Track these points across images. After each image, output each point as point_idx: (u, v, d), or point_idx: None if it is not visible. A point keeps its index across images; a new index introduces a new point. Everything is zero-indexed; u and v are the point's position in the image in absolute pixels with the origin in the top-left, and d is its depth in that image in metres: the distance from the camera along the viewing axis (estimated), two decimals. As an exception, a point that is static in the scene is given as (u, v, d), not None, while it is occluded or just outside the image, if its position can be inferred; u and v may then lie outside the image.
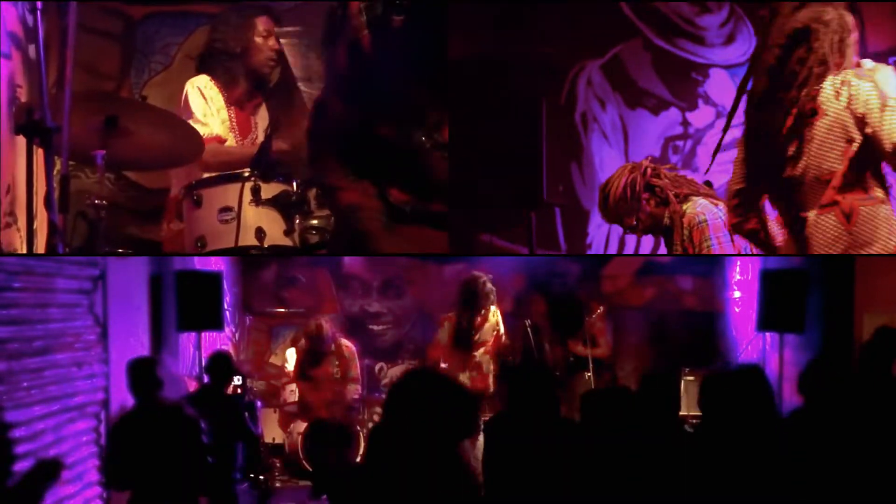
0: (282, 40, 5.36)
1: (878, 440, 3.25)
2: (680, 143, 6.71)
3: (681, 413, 6.45)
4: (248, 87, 5.02)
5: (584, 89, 6.86)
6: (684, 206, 4.34)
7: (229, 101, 5.00)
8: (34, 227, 3.59)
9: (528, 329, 7.37)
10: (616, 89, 6.86)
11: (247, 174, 4.35)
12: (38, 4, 3.61)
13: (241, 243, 4.21)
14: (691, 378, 7.06)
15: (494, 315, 6.97)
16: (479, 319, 6.84)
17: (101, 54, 5.76)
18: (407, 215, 3.76)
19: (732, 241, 4.25)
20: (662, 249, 6.51)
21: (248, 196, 4.24)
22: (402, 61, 3.65)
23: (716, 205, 4.36)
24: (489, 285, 6.89)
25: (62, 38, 3.90)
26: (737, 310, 7.45)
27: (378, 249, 3.78)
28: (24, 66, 4.76)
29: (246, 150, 4.91)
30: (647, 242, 6.09)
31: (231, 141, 5.02)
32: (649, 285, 8.15)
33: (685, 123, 6.87)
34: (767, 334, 6.32)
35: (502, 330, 7.02)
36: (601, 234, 6.88)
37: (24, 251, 3.45)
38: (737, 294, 7.45)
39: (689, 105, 6.87)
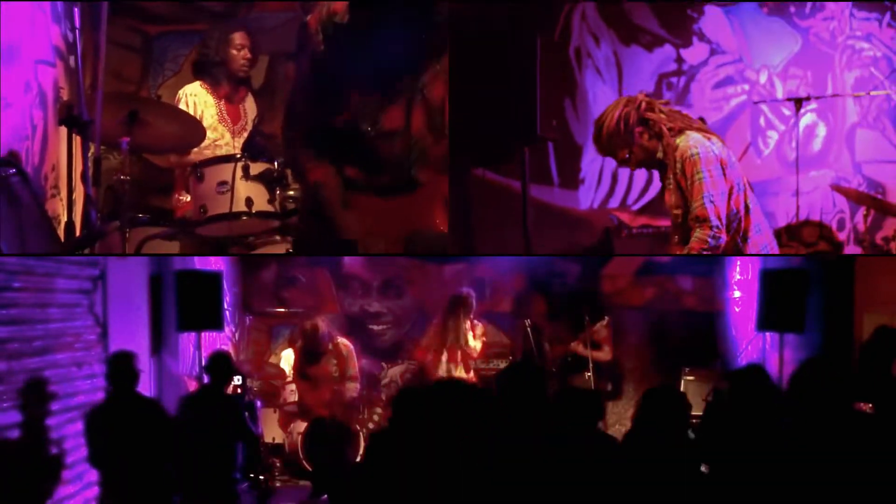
0: (268, 54, 6.64)
1: (877, 440, 3.25)
2: (674, 79, 6.73)
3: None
4: (230, 86, 5.97)
5: (578, 24, 6.84)
6: (677, 140, 4.33)
7: (218, 97, 5.94)
8: (73, 197, 4.50)
9: (529, 329, 7.37)
10: (610, 25, 6.84)
11: (239, 156, 5.31)
12: (77, 23, 4.51)
13: (234, 209, 5.14)
14: (691, 378, 7.06)
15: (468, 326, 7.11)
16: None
17: (125, 63, 7.01)
18: (359, 186, 4.79)
19: (724, 175, 4.27)
20: (656, 184, 6.46)
21: (239, 173, 5.17)
22: (351, 66, 4.80)
23: (708, 139, 4.36)
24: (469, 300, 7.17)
25: (95, 50, 4.72)
26: (737, 310, 7.45)
27: (336, 217, 4.80)
28: (66, 72, 5.77)
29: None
30: (644, 243, 6.09)
31: (220, 131, 5.93)
32: (649, 285, 8.14)
33: (679, 60, 6.87)
34: (767, 334, 6.31)
35: (473, 344, 7.11)
36: (594, 170, 6.88)
37: (66, 218, 4.25)
38: (737, 294, 7.45)
39: (684, 42, 6.85)
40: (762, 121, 6.89)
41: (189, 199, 5.50)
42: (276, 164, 5.26)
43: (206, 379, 5.12)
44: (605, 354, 7.33)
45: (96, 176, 4.45)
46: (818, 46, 6.80)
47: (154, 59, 7.23)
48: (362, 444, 6.86)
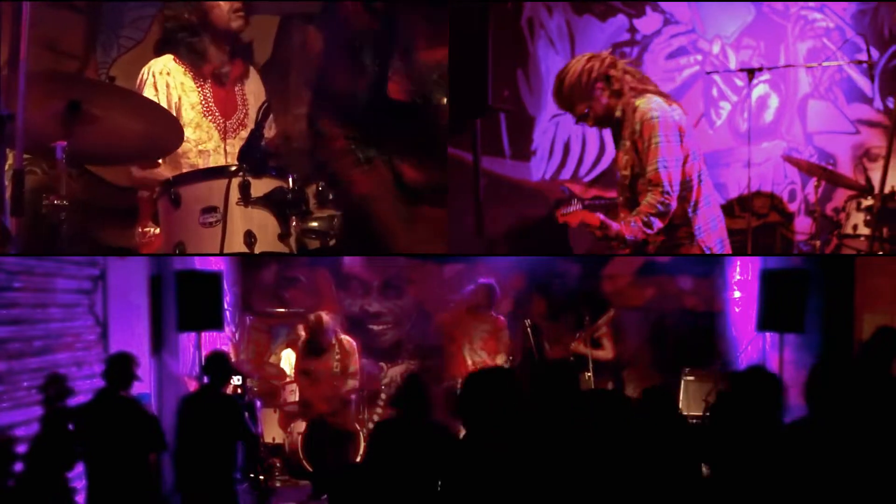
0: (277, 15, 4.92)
1: (878, 440, 3.25)
2: (627, 49, 6.70)
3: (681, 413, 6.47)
4: (221, 53, 4.33)
5: (531, -6, 6.75)
6: (637, 102, 4.31)
7: (202, 78, 4.33)
8: (-19, 231, 3.06)
9: (529, 329, 7.35)
10: (563, -6, 6.80)
11: (234, 168, 3.71)
12: None
13: (227, 250, 3.61)
14: (691, 378, 7.05)
15: None
16: None
17: (61, 28, 5.08)
18: (419, 196, 3.40)
19: (682, 143, 4.26)
20: (608, 156, 6.31)
21: (235, 194, 3.65)
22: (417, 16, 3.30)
23: (669, 104, 4.35)
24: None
25: (15, 10, 3.30)
26: (737, 310, 7.45)
27: (395, 242, 3.50)
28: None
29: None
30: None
31: (205, 127, 4.34)
32: (649, 285, 8.14)
33: (632, 30, 6.83)
34: (767, 334, 6.31)
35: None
36: (546, 141, 6.87)
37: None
38: (737, 294, 7.45)
39: (637, 12, 6.83)
40: (715, 91, 6.88)
41: (159, 232, 4.02)
42: (290, 180, 3.71)
43: (205, 379, 5.12)
44: (606, 353, 7.26)
45: (17, 199, 3.02)
46: (771, 17, 6.77)
47: (105, 24, 5.25)
48: (362, 444, 6.86)
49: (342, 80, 3.35)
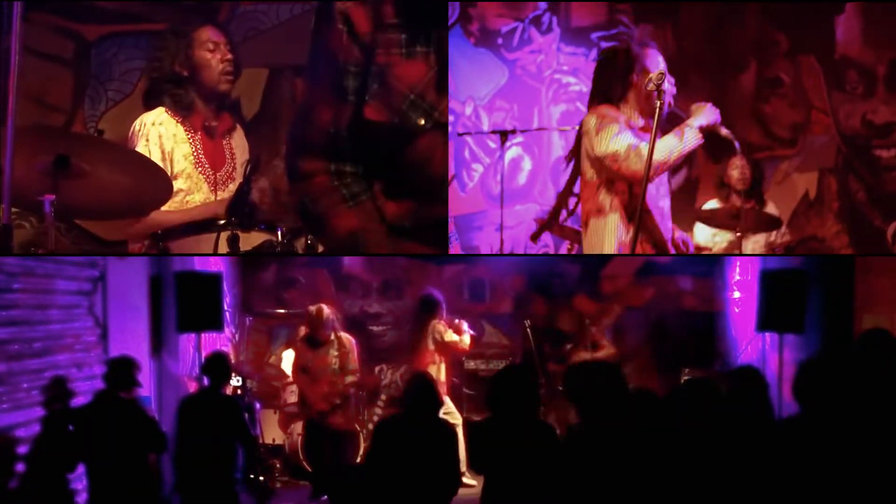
0: (266, 67, 4.99)
1: (871, 442, 3.25)
2: None
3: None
4: (209, 110, 4.37)
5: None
6: None
7: (193, 130, 4.34)
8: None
9: (528, 329, 7.36)
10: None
11: (223, 222, 3.79)
12: None
13: None
14: (691, 378, 7.06)
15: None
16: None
17: (49, 81, 5.03)
18: (406, 231, 3.19)
19: None
20: None
21: (224, 248, 3.70)
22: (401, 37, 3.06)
23: None
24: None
25: (2, 62, 3.25)
26: (736, 310, 7.45)
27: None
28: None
29: (204, 209, 4.20)
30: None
31: (195, 178, 4.29)
32: (649, 285, 8.14)
33: None
34: (767, 334, 6.31)
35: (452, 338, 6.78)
36: None
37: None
38: (737, 294, 7.45)
39: None
40: (467, 153, 6.81)
41: None
42: (279, 233, 3.79)
43: (205, 380, 5.12)
44: (605, 353, 7.30)
45: (5, 253, 3.09)
46: (525, 80, 6.73)
47: (93, 76, 5.20)
48: (362, 444, 6.86)
49: (324, 115, 3.08)
